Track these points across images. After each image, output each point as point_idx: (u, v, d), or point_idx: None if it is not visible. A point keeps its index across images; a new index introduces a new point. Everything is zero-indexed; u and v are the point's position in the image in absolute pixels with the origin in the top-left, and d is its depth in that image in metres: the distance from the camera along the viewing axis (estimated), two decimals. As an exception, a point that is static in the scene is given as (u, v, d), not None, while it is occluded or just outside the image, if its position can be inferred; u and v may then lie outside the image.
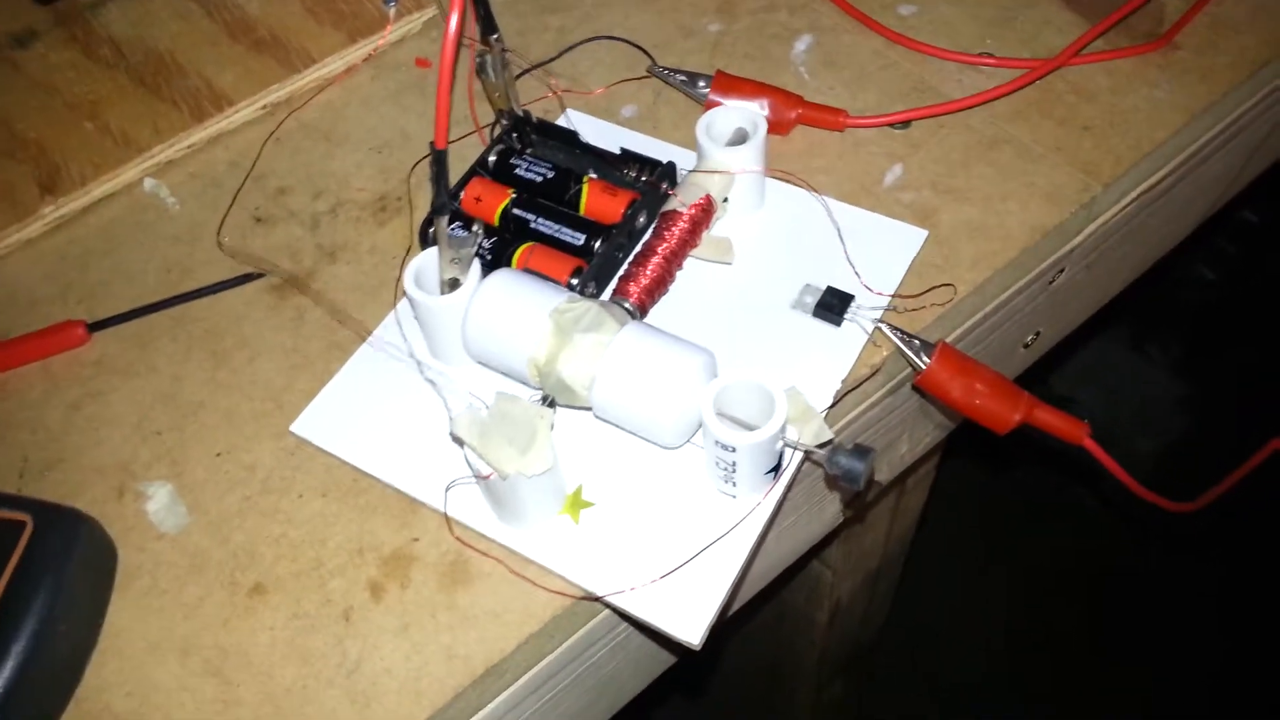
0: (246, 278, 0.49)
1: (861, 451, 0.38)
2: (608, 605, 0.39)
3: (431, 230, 0.45)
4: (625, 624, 0.43)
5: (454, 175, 0.47)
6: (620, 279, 0.44)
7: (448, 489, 0.41)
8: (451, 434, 0.38)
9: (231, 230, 0.51)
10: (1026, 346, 0.59)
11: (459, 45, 0.35)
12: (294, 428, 0.44)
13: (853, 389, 0.44)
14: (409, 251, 0.49)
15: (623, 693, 0.50)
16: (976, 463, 1.53)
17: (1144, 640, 1.41)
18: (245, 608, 0.40)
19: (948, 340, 0.48)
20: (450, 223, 0.45)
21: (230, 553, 0.41)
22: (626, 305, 0.43)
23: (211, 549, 0.42)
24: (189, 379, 0.46)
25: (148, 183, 0.53)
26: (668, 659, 0.50)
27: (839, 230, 0.47)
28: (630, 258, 0.46)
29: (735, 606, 0.52)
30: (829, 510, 0.54)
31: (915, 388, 0.46)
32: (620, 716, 0.51)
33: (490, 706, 0.40)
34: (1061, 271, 0.53)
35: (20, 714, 0.36)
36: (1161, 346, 1.66)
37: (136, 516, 0.43)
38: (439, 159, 0.38)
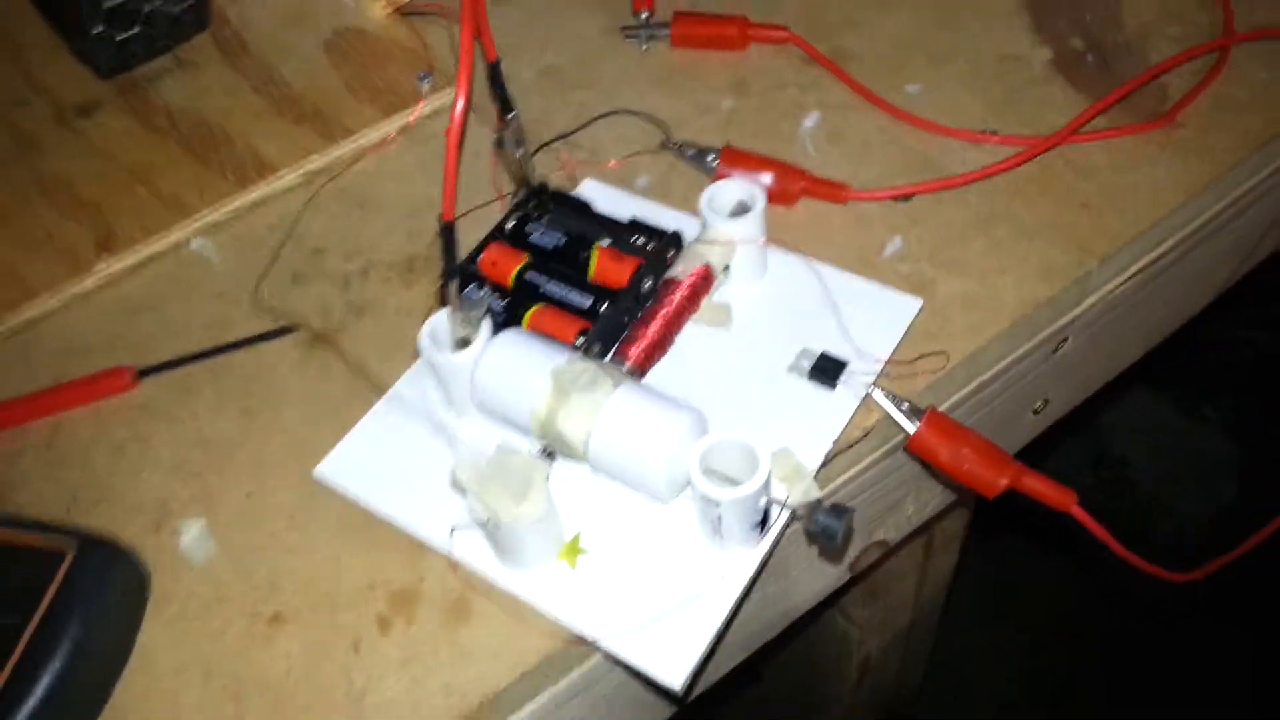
0: (281, 331, 0.52)
1: (839, 511, 0.40)
2: (597, 648, 0.42)
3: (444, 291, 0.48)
4: (620, 671, 0.45)
5: (473, 239, 0.51)
6: (621, 342, 0.47)
7: (452, 532, 0.43)
8: (452, 480, 0.41)
9: (270, 287, 0.55)
10: (1036, 412, 0.60)
11: (463, 129, 0.39)
12: (316, 472, 0.47)
13: (844, 450, 0.46)
14: (431, 310, 0.52)
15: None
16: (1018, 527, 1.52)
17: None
18: (264, 636, 0.43)
19: (946, 406, 0.50)
20: (466, 285, 0.48)
21: (253, 585, 0.44)
22: (626, 367, 0.46)
23: (236, 581, 0.45)
24: (224, 425, 0.50)
25: (195, 242, 0.57)
26: (667, 711, 0.52)
27: (833, 297, 0.49)
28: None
29: (744, 655, 0.54)
30: (835, 567, 0.56)
31: (907, 451, 0.47)
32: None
33: (487, 742, 0.42)
34: (1065, 341, 0.55)
35: (52, 727, 0.39)
36: (1215, 407, 1.65)
37: (171, 549, 0.46)
38: (447, 230, 0.41)
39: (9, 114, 0.64)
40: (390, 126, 0.60)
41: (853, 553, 0.55)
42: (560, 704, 0.44)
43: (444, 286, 0.43)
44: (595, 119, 0.60)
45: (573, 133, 0.60)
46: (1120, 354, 0.63)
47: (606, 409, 0.42)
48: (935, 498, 0.59)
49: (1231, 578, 0.51)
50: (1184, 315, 0.66)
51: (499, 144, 0.50)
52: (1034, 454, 0.55)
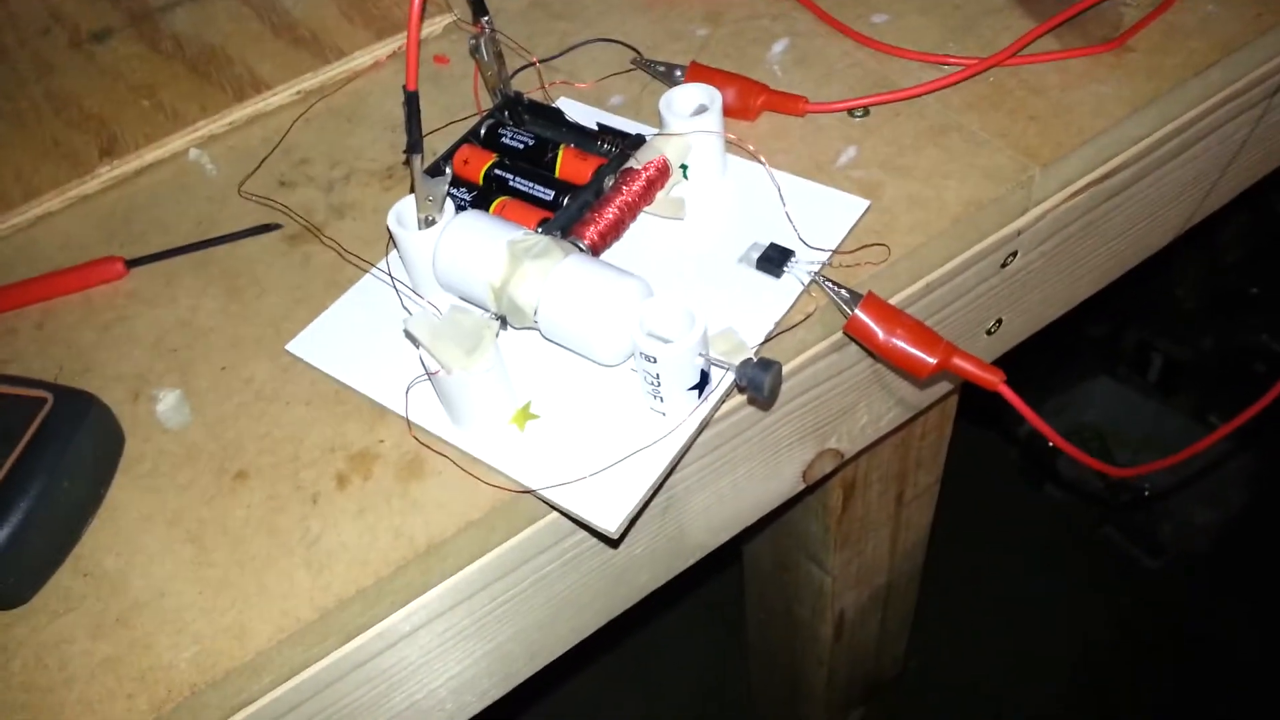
0: (264, 228, 0.55)
1: (765, 363, 0.42)
2: (540, 498, 0.44)
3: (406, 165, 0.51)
4: (574, 536, 0.48)
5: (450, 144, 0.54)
6: (577, 224, 0.49)
7: (408, 389, 0.46)
8: (405, 332, 0.43)
9: (257, 190, 0.58)
10: (990, 333, 0.62)
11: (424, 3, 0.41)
12: (289, 346, 0.50)
13: (786, 330, 0.48)
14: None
15: (583, 619, 0.53)
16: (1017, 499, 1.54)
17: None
18: (228, 489, 0.46)
19: (893, 303, 0.52)
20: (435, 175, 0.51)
21: (221, 446, 0.47)
22: (580, 245, 0.48)
23: (205, 443, 0.47)
24: (205, 309, 0.53)
25: (192, 152, 0.60)
26: (628, 590, 0.54)
27: (784, 197, 0.52)
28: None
29: (702, 553, 0.56)
30: (787, 471, 0.58)
31: (846, 334, 0.49)
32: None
33: (439, 589, 0.45)
34: (1015, 255, 0.57)
35: (26, 555, 0.42)
36: (1225, 416, 1.65)
37: (147, 415, 0.49)
38: (411, 100, 0.44)
39: (31, 41, 0.68)
40: (382, 50, 0.64)
41: (805, 456, 0.58)
42: (514, 565, 0.47)
43: (407, 160, 0.46)
44: (576, 45, 0.63)
45: (554, 57, 0.63)
46: (1076, 282, 0.65)
47: (556, 274, 0.44)
48: (890, 411, 0.61)
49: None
50: (1143, 251, 0.67)
51: (473, 50, 0.53)
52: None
